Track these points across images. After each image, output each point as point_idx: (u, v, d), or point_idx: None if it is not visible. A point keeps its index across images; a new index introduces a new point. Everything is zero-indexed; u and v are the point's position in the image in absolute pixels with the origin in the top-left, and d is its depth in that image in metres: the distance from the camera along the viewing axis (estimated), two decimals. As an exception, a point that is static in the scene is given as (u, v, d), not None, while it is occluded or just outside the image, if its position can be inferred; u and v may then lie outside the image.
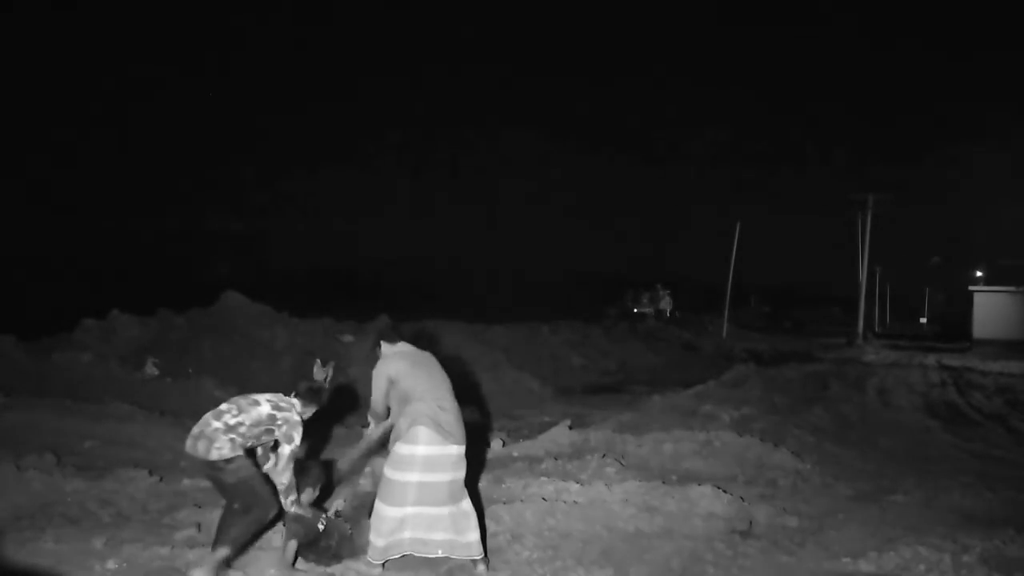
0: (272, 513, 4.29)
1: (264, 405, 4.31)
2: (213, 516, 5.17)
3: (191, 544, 4.67)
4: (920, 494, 6.65)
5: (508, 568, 4.60)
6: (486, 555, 4.49)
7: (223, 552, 4.18)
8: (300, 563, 4.47)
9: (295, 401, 4.44)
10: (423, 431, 4.24)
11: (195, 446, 4.17)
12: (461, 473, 4.38)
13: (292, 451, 4.29)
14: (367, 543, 4.34)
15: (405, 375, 4.38)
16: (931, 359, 24.55)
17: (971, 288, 32.93)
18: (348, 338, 13.66)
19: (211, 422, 4.21)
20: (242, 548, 4.34)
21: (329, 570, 4.44)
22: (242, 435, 4.20)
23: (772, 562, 4.89)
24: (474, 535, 4.34)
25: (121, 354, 12.09)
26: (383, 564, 4.34)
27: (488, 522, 5.24)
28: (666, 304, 43.42)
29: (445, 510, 4.28)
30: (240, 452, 4.20)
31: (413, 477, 4.22)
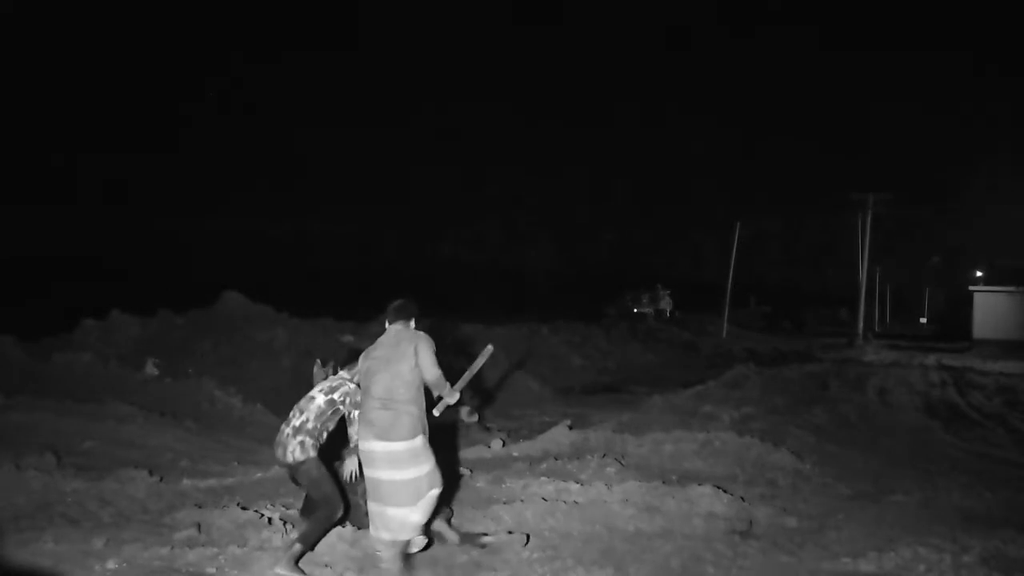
0: (338, 514, 4.48)
1: (318, 397, 4.66)
2: (213, 516, 5.18)
3: (191, 544, 4.67)
4: (920, 494, 6.65)
5: (508, 568, 4.60)
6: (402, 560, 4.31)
7: (297, 548, 4.35)
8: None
9: (343, 374, 4.78)
10: (361, 428, 4.32)
11: (275, 452, 4.61)
12: (399, 473, 4.19)
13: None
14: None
15: (366, 369, 4.39)
16: (931, 359, 24.53)
17: (971, 288, 32.92)
18: (348, 338, 13.66)
19: (283, 429, 4.62)
20: (312, 545, 4.47)
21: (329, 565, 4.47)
22: (310, 432, 4.55)
23: (772, 562, 4.89)
24: (385, 534, 4.23)
25: (121, 354, 12.11)
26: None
27: (488, 522, 5.25)
28: (666, 304, 43.44)
29: (385, 509, 4.23)
30: (312, 454, 4.51)
31: (370, 472, 4.29)
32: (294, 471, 4.56)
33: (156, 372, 11.50)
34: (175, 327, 13.95)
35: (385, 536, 4.27)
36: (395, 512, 4.21)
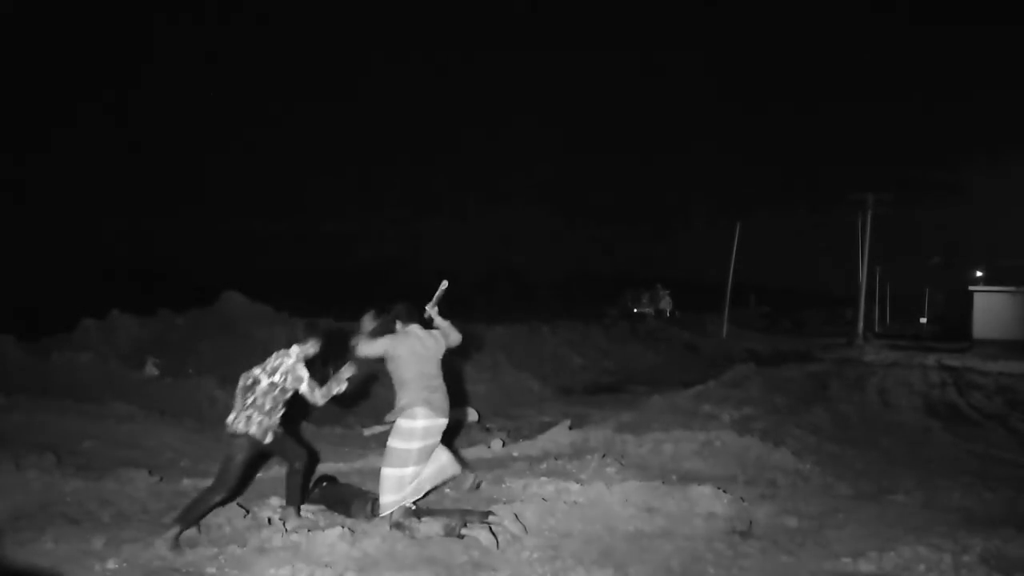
0: (219, 497, 4.88)
1: (262, 379, 5.01)
2: (213, 516, 5.18)
3: (191, 544, 4.68)
4: (920, 494, 6.65)
5: (508, 568, 4.60)
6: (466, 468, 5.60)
7: (176, 529, 4.67)
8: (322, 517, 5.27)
9: (290, 350, 5.14)
10: (420, 410, 5.17)
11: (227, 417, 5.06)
12: (440, 436, 5.37)
13: (309, 385, 5.07)
14: (375, 505, 5.21)
15: (401, 359, 5.21)
16: (931, 359, 24.55)
17: (971, 288, 32.96)
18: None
19: (238, 398, 5.07)
20: (193, 522, 4.83)
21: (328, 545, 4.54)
22: (259, 408, 4.96)
23: (772, 562, 4.89)
24: (444, 455, 5.41)
25: (121, 354, 12.10)
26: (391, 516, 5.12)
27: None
28: (666, 304, 43.49)
29: (431, 462, 5.31)
30: (252, 431, 4.92)
31: (415, 445, 5.17)
32: (228, 439, 4.98)
33: (156, 372, 11.49)
34: (175, 327, 13.94)
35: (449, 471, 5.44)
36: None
